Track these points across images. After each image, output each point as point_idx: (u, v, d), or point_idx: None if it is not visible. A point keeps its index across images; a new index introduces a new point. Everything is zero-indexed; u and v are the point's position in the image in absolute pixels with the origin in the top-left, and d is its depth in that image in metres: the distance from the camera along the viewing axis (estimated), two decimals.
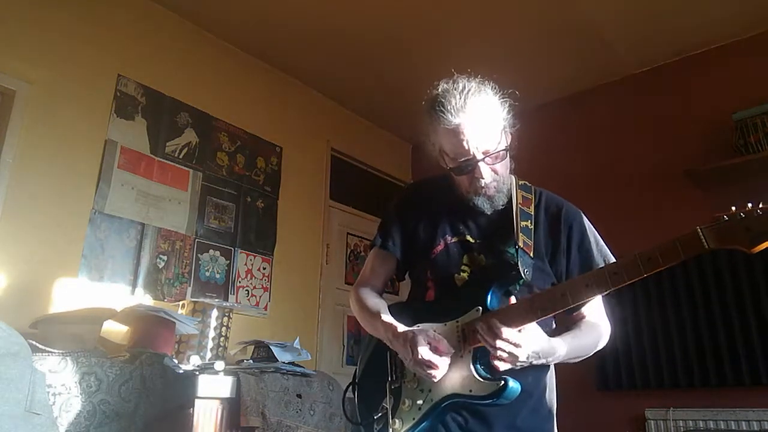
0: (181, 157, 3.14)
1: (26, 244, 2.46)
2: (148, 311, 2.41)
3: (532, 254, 1.36)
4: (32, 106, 2.58)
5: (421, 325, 1.35)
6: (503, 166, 1.40)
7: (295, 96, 3.91)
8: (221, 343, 2.67)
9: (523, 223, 1.40)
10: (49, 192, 2.57)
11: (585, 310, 1.39)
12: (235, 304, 3.06)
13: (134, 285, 2.78)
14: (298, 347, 2.62)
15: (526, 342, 1.19)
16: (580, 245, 1.40)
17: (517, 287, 1.35)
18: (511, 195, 1.45)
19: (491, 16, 3.24)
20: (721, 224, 1.03)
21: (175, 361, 2.26)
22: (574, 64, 3.68)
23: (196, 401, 2.06)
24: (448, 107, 1.31)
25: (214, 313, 2.66)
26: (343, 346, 3.90)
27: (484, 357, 1.27)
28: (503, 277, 1.34)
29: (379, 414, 1.36)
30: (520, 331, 1.20)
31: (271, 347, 2.53)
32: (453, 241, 1.44)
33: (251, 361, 2.51)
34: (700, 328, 3.06)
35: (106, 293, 2.65)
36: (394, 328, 1.34)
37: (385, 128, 4.56)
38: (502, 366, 1.20)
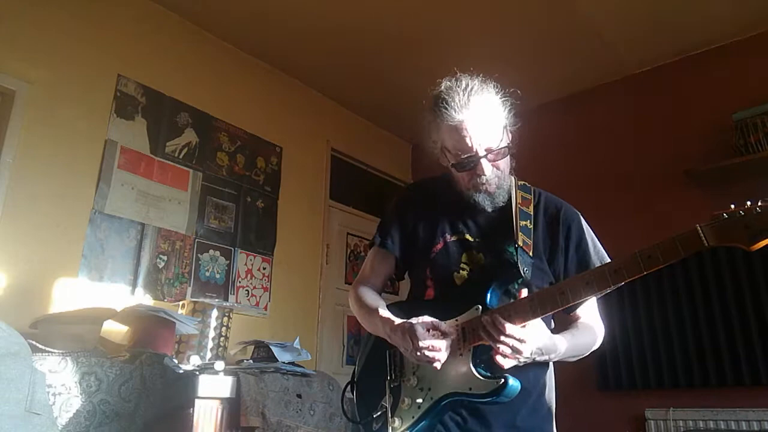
0: (181, 157, 3.14)
1: (26, 244, 2.46)
2: (148, 311, 2.40)
3: (531, 253, 1.37)
4: (32, 106, 2.58)
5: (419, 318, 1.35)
6: (504, 163, 1.41)
7: (295, 96, 3.91)
8: (221, 343, 2.66)
9: (522, 223, 1.41)
10: (49, 192, 2.57)
11: (580, 311, 1.40)
12: (235, 304, 3.06)
13: (134, 285, 2.78)
14: (298, 347, 2.62)
15: (530, 338, 1.19)
16: (578, 246, 1.41)
17: (516, 286, 1.35)
18: (510, 194, 1.46)
19: (492, 16, 3.24)
20: (720, 222, 1.04)
21: (175, 361, 2.26)
22: (574, 64, 3.68)
23: (196, 401, 2.06)
24: (452, 104, 1.32)
25: (214, 313, 2.66)
26: (343, 346, 3.90)
27: (484, 355, 1.27)
28: (502, 275, 1.34)
29: (378, 413, 1.36)
30: (523, 327, 1.21)
31: (271, 347, 2.53)
32: (452, 239, 1.45)
33: (251, 361, 2.51)
34: (701, 328, 3.06)
35: (106, 293, 2.65)
36: (391, 322, 1.34)
37: (385, 128, 4.56)
38: (505, 363, 1.20)
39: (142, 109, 3.01)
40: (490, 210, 1.44)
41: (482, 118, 1.34)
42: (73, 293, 2.54)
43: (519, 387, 1.22)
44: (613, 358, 3.25)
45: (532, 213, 1.44)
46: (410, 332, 1.26)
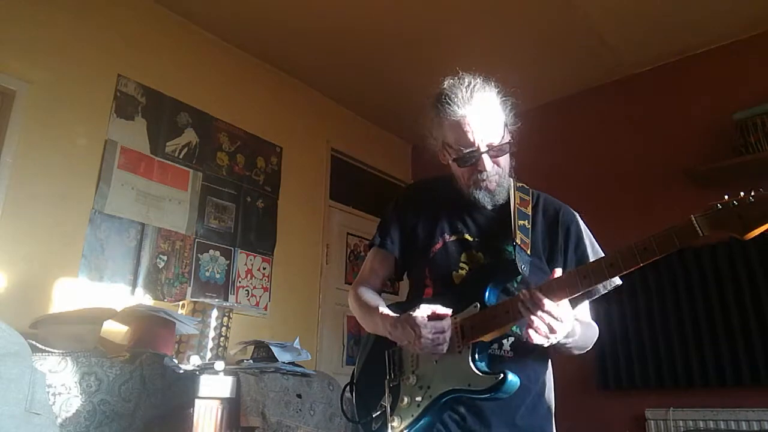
0: (181, 157, 3.14)
1: (26, 244, 2.46)
2: (148, 311, 2.41)
3: (529, 252, 1.37)
4: (32, 106, 2.58)
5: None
6: (505, 161, 1.42)
7: (295, 96, 3.91)
8: (221, 343, 2.67)
9: (521, 222, 1.41)
10: (49, 192, 2.57)
11: (576, 312, 1.40)
12: (235, 304, 3.06)
13: (134, 285, 2.78)
14: (298, 347, 2.62)
15: (566, 317, 1.19)
16: (577, 247, 1.42)
17: (515, 284, 1.36)
18: (510, 194, 1.46)
19: (492, 17, 3.24)
20: (714, 212, 1.05)
21: (175, 361, 2.26)
22: (574, 65, 3.68)
23: (196, 401, 2.06)
24: (455, 99, 1.34)
25: (214, 313, 2.66)
26: (343, 346, 3.90)
27: (483, 351, 1.28)
28: (501, 273, 1.35)
29: (378, 412, 1.36)
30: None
31: (271, 347, 2.53)
32: (451, 239, 1.46)
33: (251, 361, 2.51)
34: (701, 328, 3.06)
35: (106, 293, 2.65)
36: (391, 318, 1.35)
37: (385, 128, 4.57)
38: (537, 338, 1.19)
39: (142, 109, 3.01)
40: (489, 208, 1.44)
41: (484, 113, 1.35)
42: (73, 293, 2.54)
43: (518, 382, 1.22)
44: (613, 357, 3.25)
45: (530, 214, 1.44)
46: (411, 322, 1.26)
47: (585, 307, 1.43)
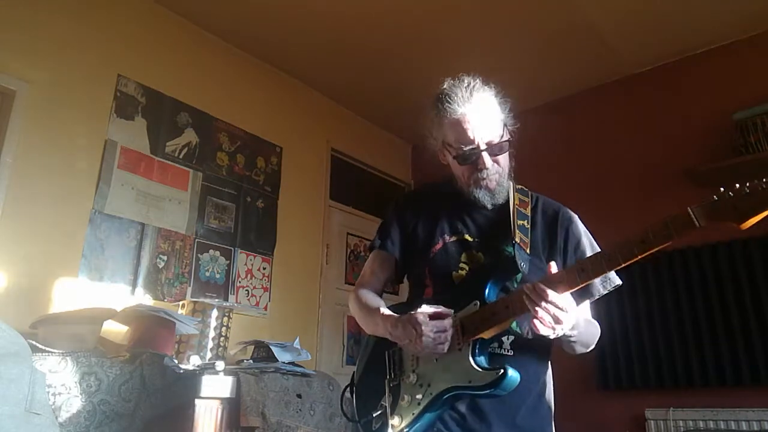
0: (181, 157, 3.14)
1: (26, 244, 2.46)
2: (148, 311, 2.41)
3: (528, 251, 1.38)
4: (32, 107, 2.58)
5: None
6: (504, 160, 1.43)
7: (295, 96, 3.91)
8: (221, 343, 2.67)
9: (520, 222, 1.42)
10: (49, 192, 2.57)
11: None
12: (235, 304, 3.06)
13: (134, 285, 2.78)
14: (298, 347, 2.62)
15: (570, 307, 1.19)
16: (576, 247, 1.43)
17: (515, 283, 1.37)
18: (509, 195, 1.47)
19: (492, 17, 3.24)
20: (710, 203, 1.06)
21: (176, 361, 2.27)
22: (574, 65, 3.68)
23: (197, 401, 2.06)
24: (454, 98, 1.36)
25: (214, 313, 2.66)
26: (343, 346, 3.90)
27: (483, 348, 1.28)
28: (501, 271, 1.35)
29: (378, 412, 1.36)
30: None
31: (271, 347, 2.53)
32: (451, 240, 1.46)
33: (251, 361, 2.51)
34: (701, 328, 3.06)
35: (106, 293, 2.65)
36: (392, 318, 1.35)
37: (385, 128, 4.56)
38: (542, 329, 1.18)
39: (142, 109, 3.01)
40: (489, 207, 1.45)
41: (484, 112, 1.38)
42: (73, 293, 2.54)
43: (518, 378, 1.22)
44: (613, 357, 3.25)
45: (529, 214, 1.46)
46: (412, 320, 1.27)
47: (586, 306, 1.43)
